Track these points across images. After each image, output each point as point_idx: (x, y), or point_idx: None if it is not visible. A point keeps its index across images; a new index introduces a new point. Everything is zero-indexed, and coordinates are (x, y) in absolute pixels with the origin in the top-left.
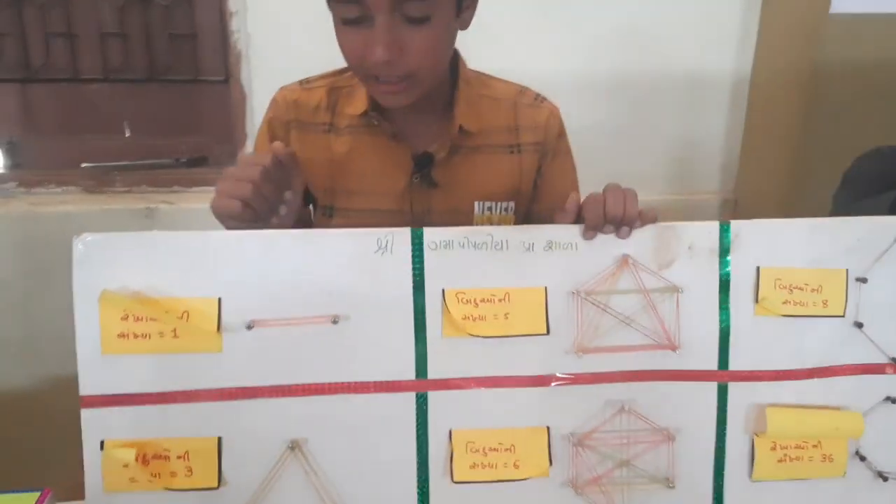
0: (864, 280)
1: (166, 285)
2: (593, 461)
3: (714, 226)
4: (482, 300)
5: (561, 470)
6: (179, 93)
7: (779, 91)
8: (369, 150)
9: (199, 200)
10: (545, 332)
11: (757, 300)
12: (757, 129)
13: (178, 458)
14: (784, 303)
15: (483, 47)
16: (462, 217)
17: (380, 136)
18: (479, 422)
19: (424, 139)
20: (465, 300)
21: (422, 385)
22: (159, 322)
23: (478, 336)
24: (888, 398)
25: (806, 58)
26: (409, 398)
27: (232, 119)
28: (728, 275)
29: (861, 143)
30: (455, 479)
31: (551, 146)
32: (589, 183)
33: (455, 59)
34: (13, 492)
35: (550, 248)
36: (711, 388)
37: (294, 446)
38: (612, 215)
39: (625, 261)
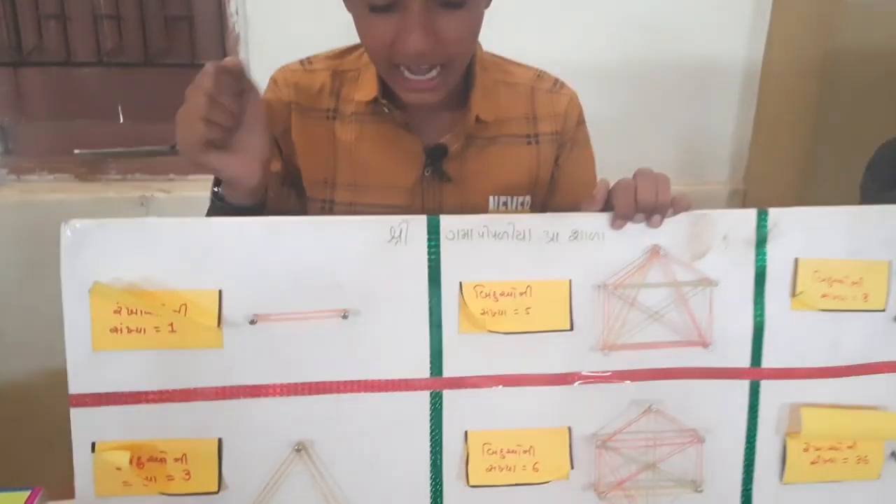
0: None
1: (162, 276)
2: (617, 464)
3: (751, 214)
4: (502, 294)
5: (583, 473)
6: (175, 77)
7: (791, 79)
8: (377, 140)
9: (196, 189)
10: (569, 328)
11: (794, 294)
12: (768, 117)
13: (176, 460)
14: (822, 296)
15: (492, 34)
16: (475, 213)
17: (389, 126)
18: (496, 422)
19: (437, 129)
20: (483, 294)
21: (437, 383)
22: (155, 316)
23: (497, 332)
24: None
25: (819, 45)
26: (423, 397)
27: None
28: (764, 267)
29: (875, 132)
30: (471, 482)
31: (570, 135)
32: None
33: None
34: (3, 490)
35: (576, 237)
36: (743, 386)
37: (300, 448)
38: (643, 203)
39: (655, 252)
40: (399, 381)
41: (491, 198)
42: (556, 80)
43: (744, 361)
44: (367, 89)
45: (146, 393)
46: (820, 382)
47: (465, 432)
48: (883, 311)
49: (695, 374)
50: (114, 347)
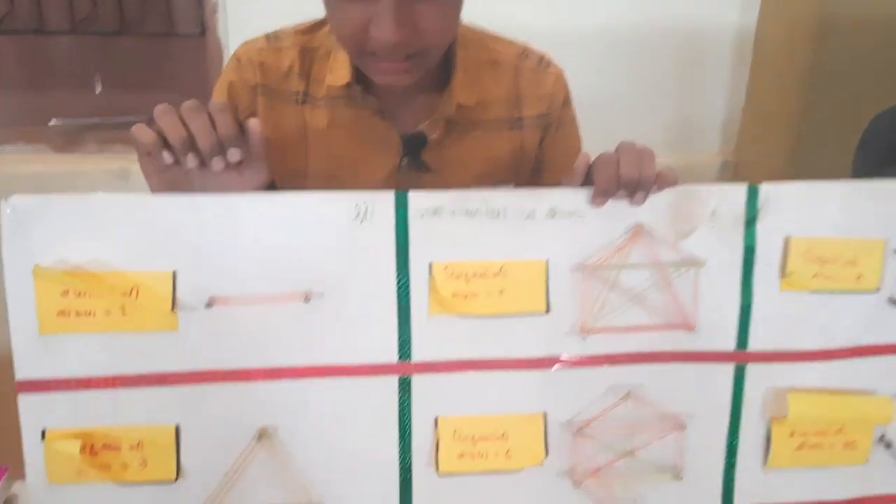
0: None
1: (112, 257)
2: (594, 451)
3: (741, 189)
4: (474, 275)
5: (558, 460)
6: (152, 46)
7: (784, 46)
8: (350, 127)
9: None
10: (545, 310)
11: (784, 274)
12: (761, 86)
13: (131, 448)
14: (814, 277)
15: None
16: None
17: (363, 112)
18: (468, 408)
19: (414, 115)
20: (455, 275)
21: (405, 368)
22: (105, 299)
23: (469, 315)
24: None
25: (814, 11)
26: (392, 383)
27: (208, 74)
28: (753, 246)
29: (872, 101)
30: (441, 470)
31: (556, 116)
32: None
33: None
34: None
35: (553, 215)
36: (728, 370)
37: (262, 435)
38: (626, 178)
39: (638, 230)
40: (366, 367)
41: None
42: (542, 57)
43: (729, 345)
44: (338, 73)
45: (97, 379)
46: (808, 366)
47: (436, 418)
48: (876, 291)
49: (677, 357)
50: (62, 331)
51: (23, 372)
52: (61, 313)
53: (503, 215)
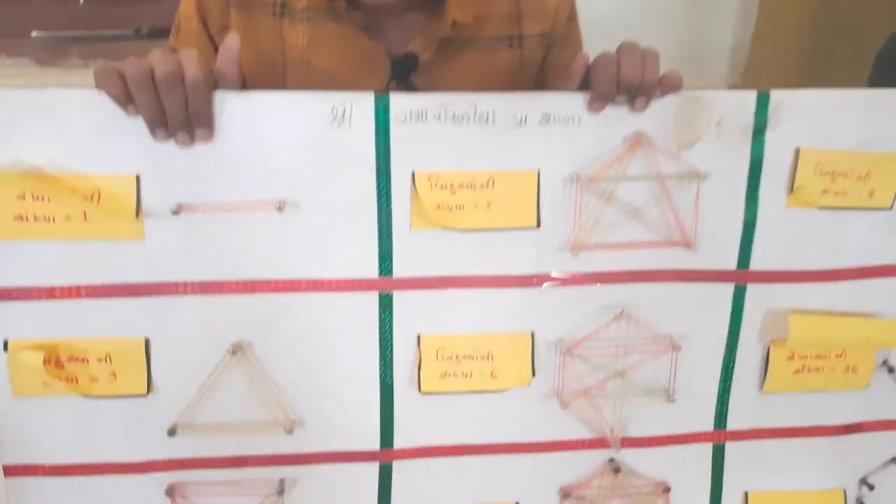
0: None
1: (71, 158)
2: (583, 371)
3: (750, 96)
4: (460, 185)
5: (545, 381)
6: None
7: None
8: (333, 45)
9: None
10: (535, 225)
11: (791, 189)
12: (771, 8)
13: (99, 361)
14: (823, 192)
15: None
16: None
17: (347, 28)
18: (452, 326)
19: (404, 33)
20: (439, 185)
21: (386, 284)
22: (64, 203)
23: (454, 229)
24: None
25: None
26: (372, 299)
27: None
28: (761, 158)
29: (885, 24)
30: (423, 389)
31: (559, 34)
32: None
33: None
34: None
35: (547, 122)
36: (727, 290)
37: (236, 350)
38: (626, 81)
39: (638, 139)
40: (344, 281)
41: None
42: None
43: (730, 263)
44: None
45: (60, 288)
46: (812, 287)
47: (418, 336)
48: (889, 209)
49: (674, 276)
50: (20, 237)
51: None
52: (18, 217)
53: (492, 121)
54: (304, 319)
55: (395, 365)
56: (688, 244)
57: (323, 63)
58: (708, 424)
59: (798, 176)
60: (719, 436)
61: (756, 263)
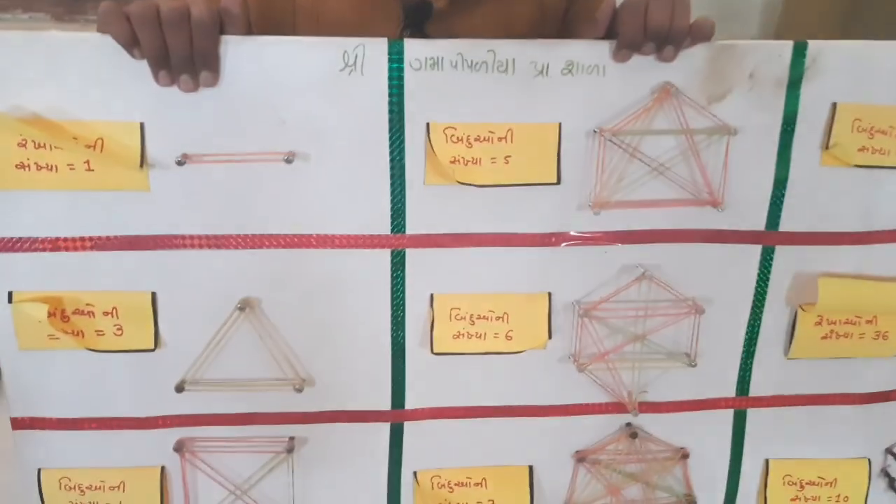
0: None
1: (73, 105)
2: (602, 334)
3: (786, 47)
4: (477, 138)
5: (562, 343)
6: None
7: None
8: None
9: None
10: (555, 181)
11: (826, 146)
12: None
13: (105, 314)
14: (860, 150)
15: None
16: None
17: None
18: (466, 286)
19: None
20: (455, 138)
21: (399, 241)
22: (67, 151)
23: (470, 185)
24: None
25: None
26: (384, 256)
27: None
28: (795, 112)
29: None
30: (435, 349)
31: None
32: None
33: None
34: None
35: (570, 71)
36: (755, 251)
37: (244, 306)
38: (654, 28)
39: (665, 91)
40: (355, 237)
41: None
42: None
43: (758, 224)
44: None
45: (64, 239)
46: (844, 249)
47: (431, 295)
48: None
49: (700, 236)
50: (22, 186)
51: None
52: (20, 166)
53: (512, 70)
54: (314, 276)
55: (408, 324)
56: (715, 203)
57: (333, 9)
58: (730, 390)
59: (834, 132)
60: (741, 402)
61: (786, 224)
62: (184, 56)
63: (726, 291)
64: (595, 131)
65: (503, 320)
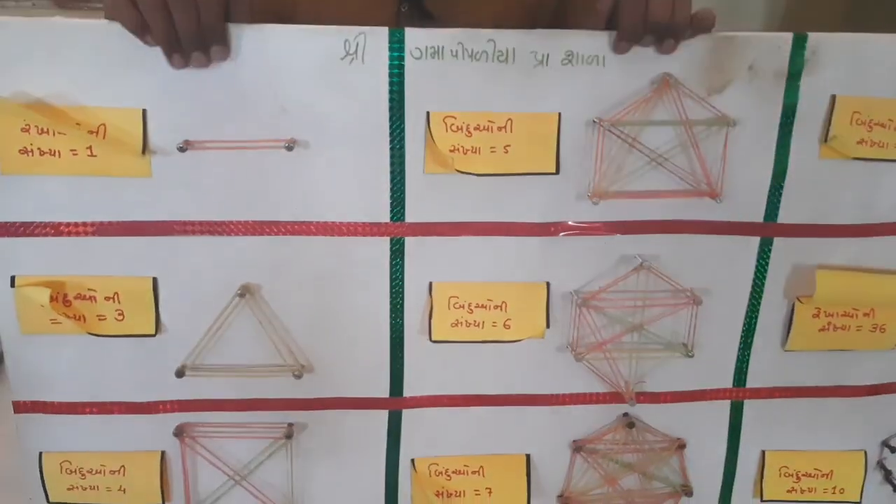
0: None
1: (76, 91)
2: (599, 324)
3: (786, 39)
4: (477, 128)
5: (559, 332)
6: None
7: None
8: None
9: None
10: (554, 170)
11: (825, 139)
12: None
13: (107, 299)
14: (859, 143)
15: None
16: None
17: None
18: (465, 274)
19: None
20: (454, 127)
21: (398, 229)
22: (69, 137)
23: (469, 173)
24: None
25: None
26: (383, 244)
27: None
28: (794, 105)
29: None
30: (434, 337)
31: None
32: None
33: None
34: None
35: (570, 61)
36: (753, 243)
37: (244, 292)
38: (655, 21)
39: (665, 82)
40: (355, 225)
41: None
42: None
43: (757, 215)
44: None
45: (66, 224)
46: (842, 242)
47: (430, 283)
48: None
49: (698, 227)
50: (25, 172)
51: None
52: (23, 151)
53: (512, 59)
54: (314, 263)
55: (406, 312)
56: (714, 194)
57: None
58: (727, 381)
59: (833, 124)
60: (738, 393)
61: (784, 216)
62: (193, 32)
63: (724, 283)
64: (594, 121)
65: (501, 309)
